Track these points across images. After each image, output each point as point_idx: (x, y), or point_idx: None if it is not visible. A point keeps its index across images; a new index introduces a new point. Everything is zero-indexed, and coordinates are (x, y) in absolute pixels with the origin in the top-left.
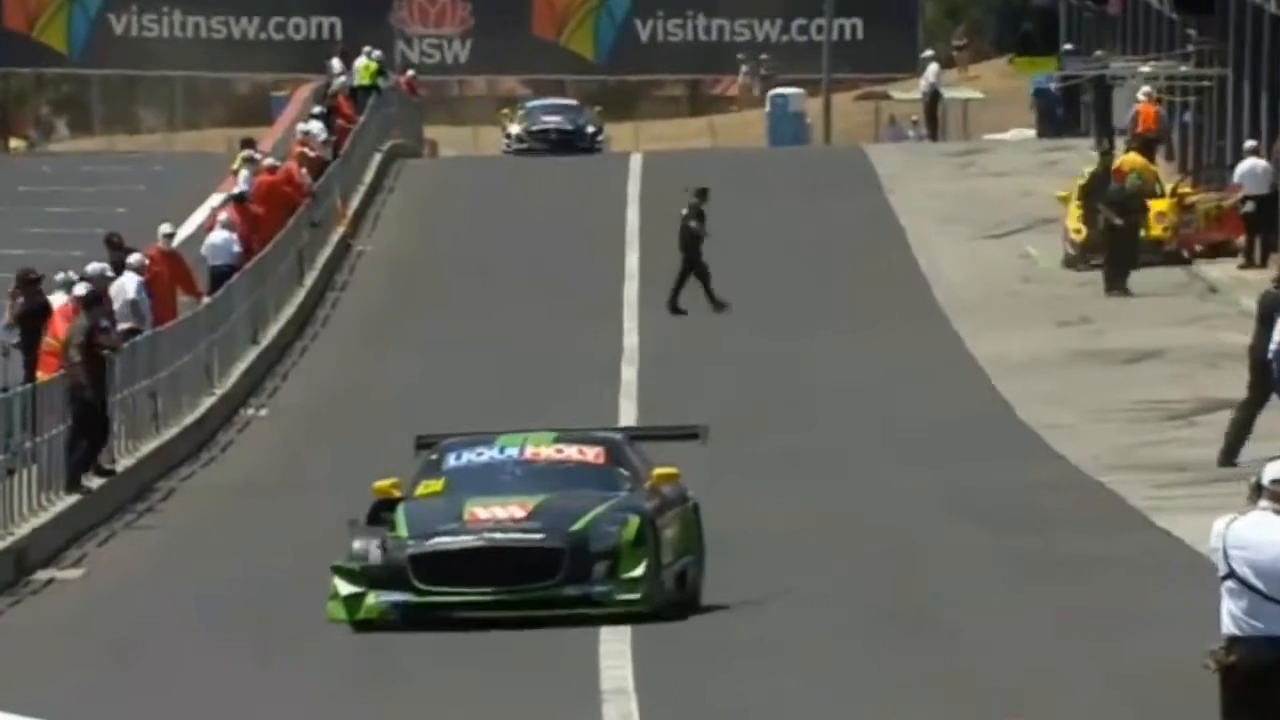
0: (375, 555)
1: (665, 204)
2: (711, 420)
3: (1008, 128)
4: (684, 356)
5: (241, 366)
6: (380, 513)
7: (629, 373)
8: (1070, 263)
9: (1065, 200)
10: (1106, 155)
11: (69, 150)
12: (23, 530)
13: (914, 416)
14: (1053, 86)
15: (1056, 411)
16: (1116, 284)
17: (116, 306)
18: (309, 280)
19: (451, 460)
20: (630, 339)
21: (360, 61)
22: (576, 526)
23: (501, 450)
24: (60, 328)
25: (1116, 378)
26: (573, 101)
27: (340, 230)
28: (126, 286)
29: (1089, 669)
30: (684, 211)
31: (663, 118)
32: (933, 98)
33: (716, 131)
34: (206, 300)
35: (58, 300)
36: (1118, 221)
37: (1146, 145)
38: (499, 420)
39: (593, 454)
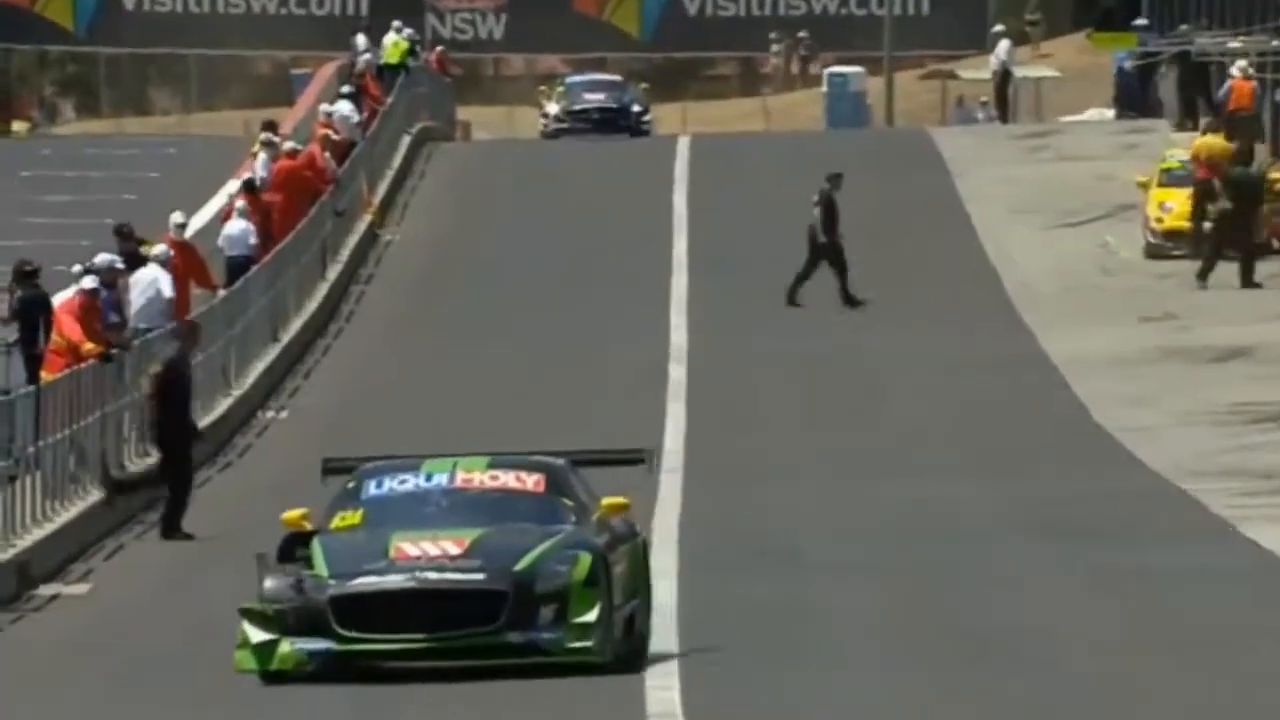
0: (290, 597)
1: (715, 189)
2: (767, 422)
3: (1084, 108)
4: (736, 354)
5: (260, 366)
6: (293, 548)
7: (677, 372)
8: (1152, 253)
9: (1145, 186)
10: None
11: (75, 133)
12: (26, 542)
13: (982, 419)
14: (1127, 64)
15: (1136, 414)
16: (1210, 272)
17: (139, 302)
18: (333, 273)
19: (371, 488)
20: (678, 335)
21: (389, 38)
22: (520, 565)
23: (428, 477)
24: (66, 324)
25: (1201, 377)
26: (616, 78)
27: (366, 219)
28: (161, 284)
29: (1171, 690)
30: (814, 198)
31: (712, 98)
32: (1003, 76)
33: (770, 113)
34: (222, 294)
35: (65, 294)
36: (1227, 206)
37: (1237, 125)
38: (534, 425)
39: (532, 481)
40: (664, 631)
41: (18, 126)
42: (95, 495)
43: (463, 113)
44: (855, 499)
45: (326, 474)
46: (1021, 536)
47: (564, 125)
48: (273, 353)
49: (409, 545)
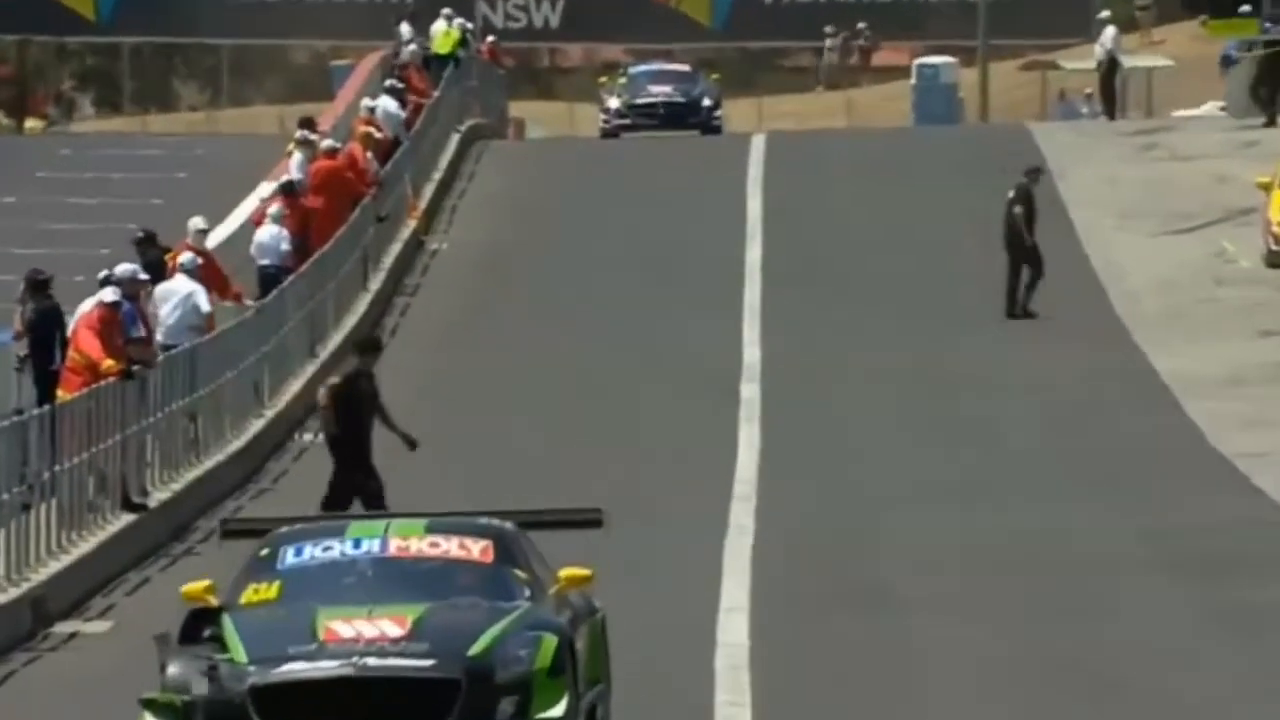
0: (200, 686)
1: (792, 192)
2: (848, 446)
3: (1199, 102)
4: (814, 370)
5: (296, 384)
6: (199, 627)
7: (749, 390)
8: (1274, 261)
9: (1267, 188)
10: None
11: (94, 131)
12: (41, 575)
13: (1087, 442)
14: (1234, 54)
15: (1255, 438)
16: None
17: (172, 317)
18: (375, 283)
19: (289, 556)
20: (751, 351)
21: (438, 26)
22: (475, 650)
23: (356, 544)
24: (85, 340)
25: None
26: (685, 67)
27: (411, 224)
28: (198, 297)
29: None
30: (1009, 194)
31: (790, 92)
32: (1109, 67)
33: (853, 107)
34: (252, 305)
35: (83, 307)
36: None
37: None
38: (594, 452)
39: (478, 549)
40: (735, 680)
41: (32, 124)
42: (116, 524)
43: (516, 108)
44: (953, 528)
45: (226, 537)
46: (1137, 569)
47: (626, 121)
48: (310, 370)
49: (340, 625)
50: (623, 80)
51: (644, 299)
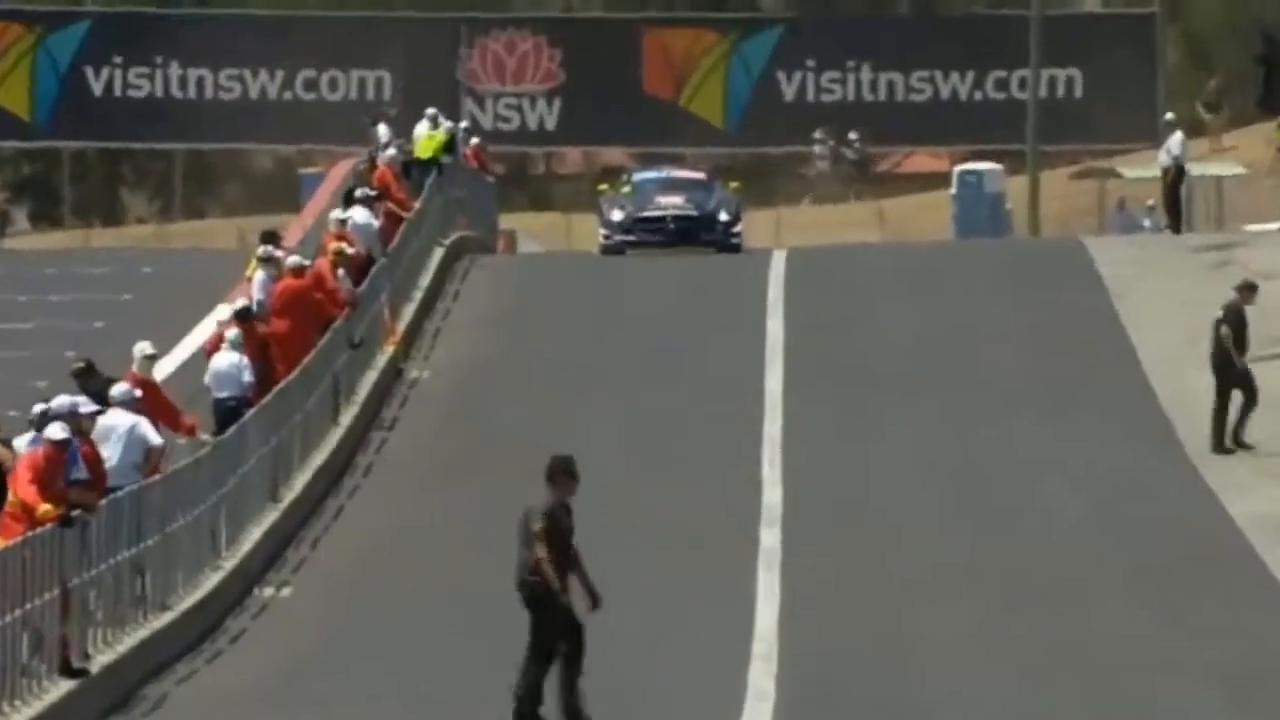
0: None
1: (818, 315)
2: (876, 601)
3: (1277, 215)
4: (843, 517)
5: (257, 532)
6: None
7: (769, 538)
8: None
9: None
10: None
11: (31, 248)
12: None
13: (1160, 595)
14: None
15: None
16: None
17: (116, 454)
18: (347, 417)
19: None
20: (772, 492)
21: (422, 128)
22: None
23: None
24: (21, 483)
25: None
26: (699, 175)
27: (389, 350)
28: (143, 429)
29: None
30: (1217, 314)
31: (814, 203)
32: (1176, 175)
33: (886, 219)
34: (208, 441)
35: (21, 443)
36: None
37: None
38: (596, 616)
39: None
40: None
41: None
42: (54, 691)
43: (507, 220)
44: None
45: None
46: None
47: (629, 237)
48: (272, 515)
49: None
50: (626, 188)
51: (650, 436)
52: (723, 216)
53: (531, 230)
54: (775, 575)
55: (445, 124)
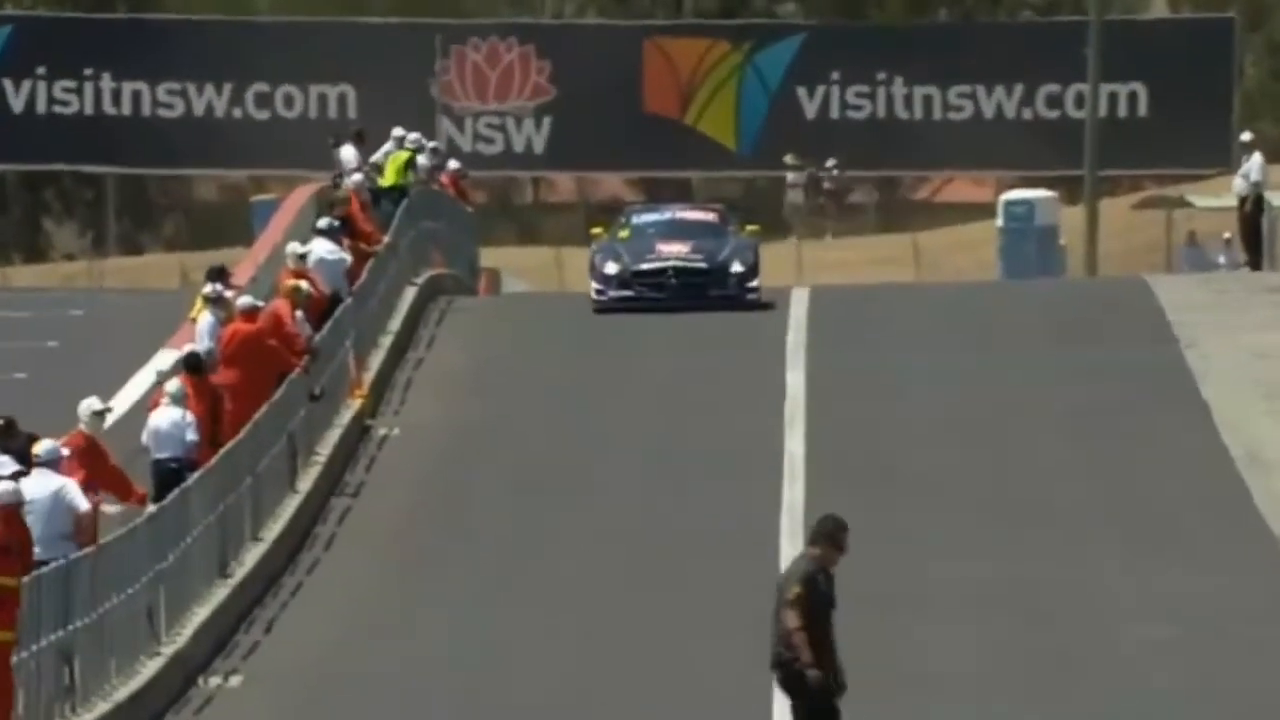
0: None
1: (844, 366)
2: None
3: None
4: (872, 599)
5: (202, 612)
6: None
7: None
8: None
9: None
10: None
11: None
12: None
13: (1235, 684)
14: None
15: None
16: None
17: (41, 523)
18: (306, 481)
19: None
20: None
21: (386, 150)
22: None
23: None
24: None
25: None
26: (709, 215)
27: (354, 404)
28: (70, 495)
29: None
30: None
31: (839, 234)
32: (1255, 204)
33: (922, 255)
34: (149, 510)
35: None
36: None
37: None
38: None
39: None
40: None
41: None
42: None
43: (489, 256)
44: None
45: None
46: None
47: (627, 293)
48: (220, 594)
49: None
50: (623, 233)
51: (653, 504)
52: (736, 268)
53: (517, 268)
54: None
55: (412, 137)
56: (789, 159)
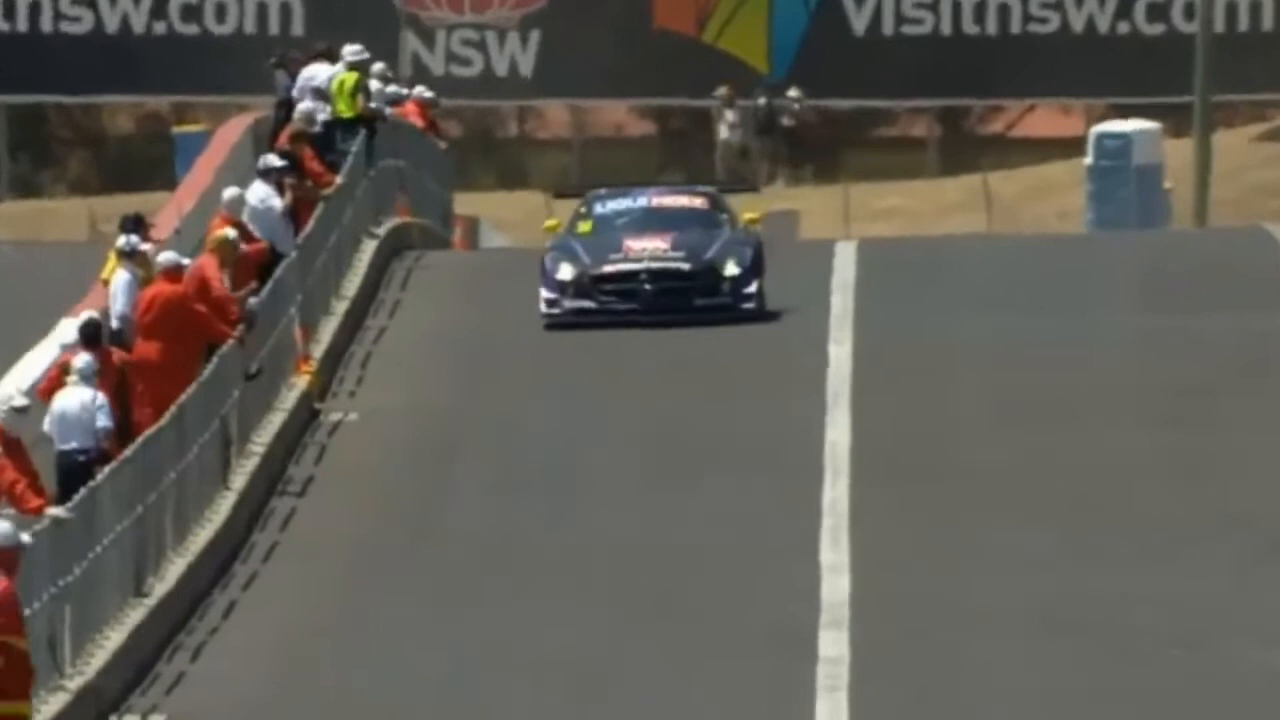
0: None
1: (897, 337)
2: None
3: None
4: (922, 617)
5: (115, 638)
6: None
7: (833, 645)
8: None
9: None
10: None
11: None
12: None
13: None
14: None
15: None
16: None
17: None
18: (240, 478)
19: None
20: (835, 584)
21: (332, 74)
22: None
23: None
24: None
25: None
26: (695, 202)
27: (299, 384)
28: None
29: None
30: None
31: (895, 177)
32: None
33: (994, 202)
34: (52, 514)
35: None
36: None
37: None
38: None
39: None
40: None
41: None
42: None
43: (465, 202)
44: None
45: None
46: None
47: (586, 305)
48: (136, 616)
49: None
50: (584, 225)
51: (660, 504)
52: (730, 270)
53: (499, 218)
54: (841, 700)
55: (350, 49)
56: (719, 93)
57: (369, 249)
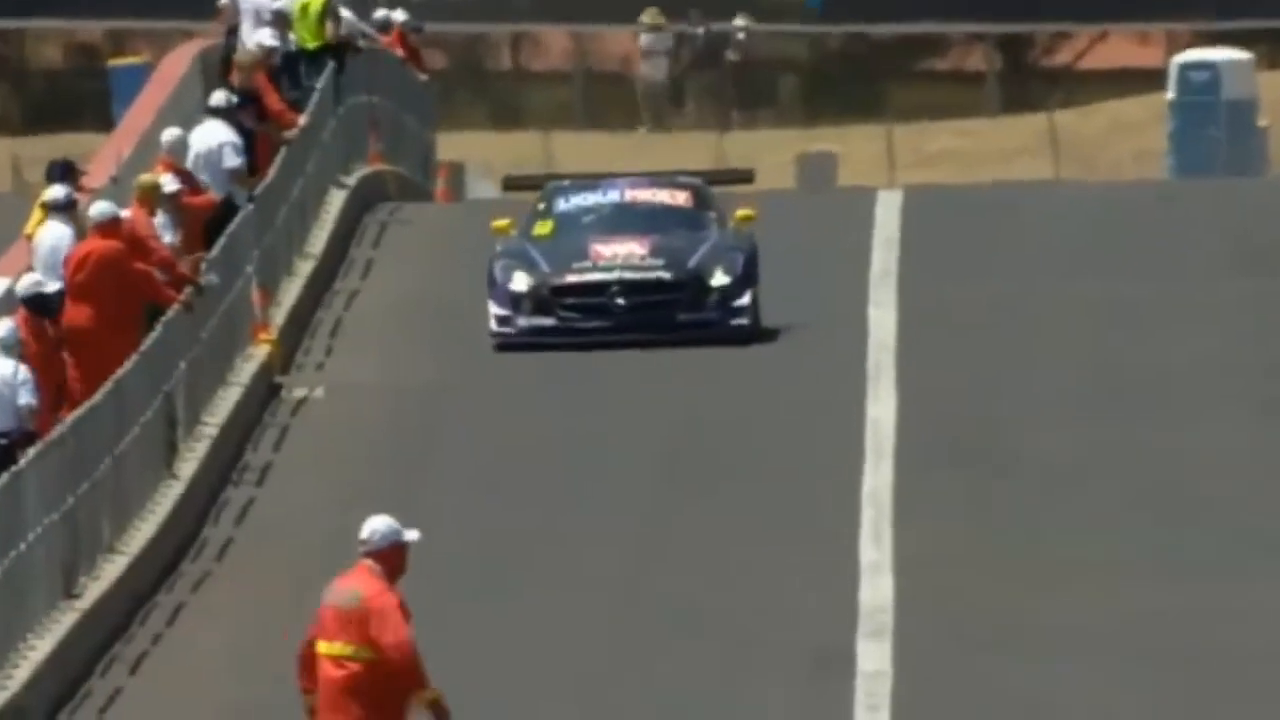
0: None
1: (947, 299)
2: None
3: None
4: (969, 623)
5: (42, 648)
6: None
7: (872, 656)
8: None
9: None
10: None
11: None
12: None
13: None
14: None
15: None
16: None
17: None
18: (188, 466)
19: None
20: (876, 585)
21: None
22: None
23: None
24: None
25: None
26: (678, 197)
27: (258, 356)
28: None
29: None
30: None
31: (947, 116)
32: None
33: (1061, 144)
34: None
35: None
36: None
37: None
38: None
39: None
40: None
41: None
42: None
43: (450, 145)
44: None
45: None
46: None
47: (545, 323)
48: (67, 622)
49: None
50: (542, 225)
51: (673, 507)
52: (718, 279)
53: (489, 162)
54: None
55: None
56: (646, 17)
57: (337, 200)
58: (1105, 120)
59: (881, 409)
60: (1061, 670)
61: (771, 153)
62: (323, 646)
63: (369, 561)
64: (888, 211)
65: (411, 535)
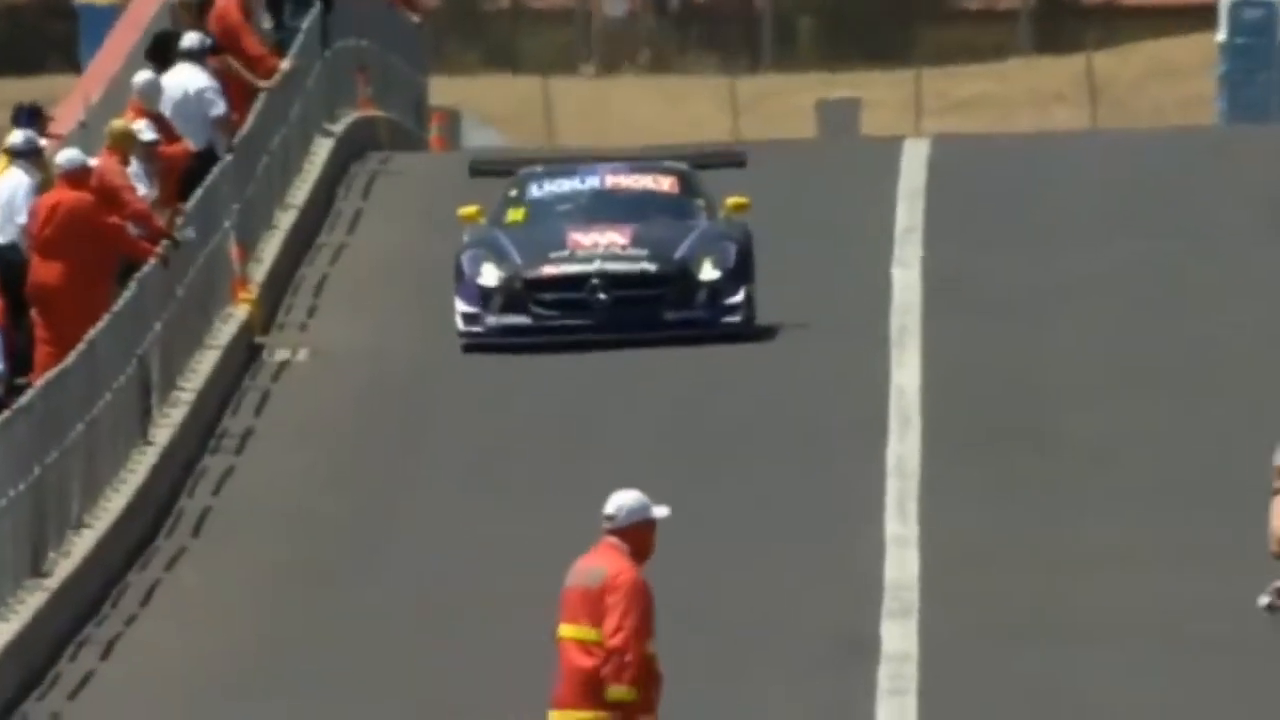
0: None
1: (973, 266)
2: None
3: None
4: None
5: (6, 630)
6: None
7: (897, 643)
8: None
9: None
10: None
11: None
12: None
13: None
14: None
15: None
16: None
17: None
18: (163, 433)
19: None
20: (904, 560)
21: None
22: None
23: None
24: None
25: None
26: (663, 183)
27: (237, 315)
28: None
29: None
30: None
31: (979, 59)
32: None
33: (1101, 89)
34: None
35: None
36: None
37: None
38: None
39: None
40: None
41: None
42: None
43: (443, 89)
44: None
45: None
46: None
47: (517, 321)
48: (35, 602)
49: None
50: (515, 211)
51: (692, 471)
52: (708, 273)
53: (485, 109)
54: (910, 703)
55: None
56: None
57: (323, 149)
58: (1149, 63)
59: (906, 375)
60: (1089, 655)
61: (789, 98)
62: (566, 630)
63: (613, 539)
64: (913, 162)
65: (660, 511)
